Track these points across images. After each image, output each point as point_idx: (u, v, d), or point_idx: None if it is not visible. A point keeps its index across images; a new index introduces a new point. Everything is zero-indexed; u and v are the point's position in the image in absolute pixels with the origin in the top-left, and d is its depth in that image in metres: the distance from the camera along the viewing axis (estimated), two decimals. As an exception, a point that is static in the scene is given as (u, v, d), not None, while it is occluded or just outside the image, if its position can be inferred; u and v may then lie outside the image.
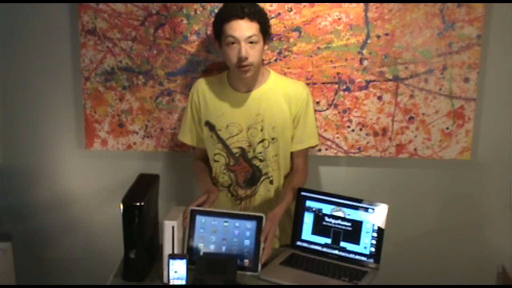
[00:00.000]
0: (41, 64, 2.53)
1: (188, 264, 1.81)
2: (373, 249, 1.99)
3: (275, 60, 2.42)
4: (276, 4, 2.36)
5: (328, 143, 2.50)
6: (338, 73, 2.42)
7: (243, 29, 2.01)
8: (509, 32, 2.40)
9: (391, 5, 2.36)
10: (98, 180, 2.63)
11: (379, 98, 2.45)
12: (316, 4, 2.36)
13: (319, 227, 2.06)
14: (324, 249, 2.05)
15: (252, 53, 2.03)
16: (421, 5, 2.35)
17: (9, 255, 2.66)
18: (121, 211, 1.83)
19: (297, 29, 2.38)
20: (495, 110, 2.48)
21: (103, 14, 2.41)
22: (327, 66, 2.42)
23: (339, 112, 2.47)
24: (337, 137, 2.49)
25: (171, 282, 1.81)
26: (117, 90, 2.49)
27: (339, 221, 2.03)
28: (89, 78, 2.48)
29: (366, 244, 2.00)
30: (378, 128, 2.47)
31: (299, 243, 2.09)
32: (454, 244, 2.62)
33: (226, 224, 1.97)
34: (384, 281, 2.01)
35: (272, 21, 2.24)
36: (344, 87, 2.44)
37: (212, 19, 2.16)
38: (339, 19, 2.37)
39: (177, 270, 1.80)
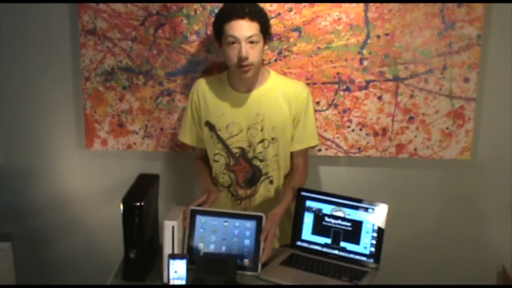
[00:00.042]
0: (41, 64, 2.53)
1: (188, 264, 1.81)
2: (373, 249, 1.99)
3: (275, 60, 2.42)
4: (276, 4, 2.36)
5: (328, 143, 2.50)
6: (338, 73, 2.43)
7: (244, 29, 2.01)
8: (509, 32, 2.40)
9: (391, 5, 2.36)
10: (98, 180, 2.63)
11: (379, 98, 2.45)
12: (316, 4, 2.36)
13: (319, 227, 2.06)
14: (324, 249, 2.05)
15: (252, 53, 2.03)
16: (421, 5, 2.35)
17: (9, 255, 2.66)
18: (121, 211, 1.83)
19: (297, 29, 2.38)
20: (495, 110, 2.48)
21: (103, 14, 2.41)
22: (327, 66, 2.42)
23: (339, 112, 2.47)
24: (337, 137, 2.49)
25: (171, 282, 1.81)
26: (117, 90, 2.49)
27: (339, 221, 2.03)
28: (89, 78, 2.48)
29: (366, 244, 2.00)
30: (378, 128, 2.47)
31: (299, 243, 2.08)
32: (454, 244, 2.62)
33: (226, 224, 1.98)
34: (384, 281, 2.01)
35: (272, 21, 2.24)
36: (344, 87, 2.44)
37: (212, 19, 2.16)
38: (339, 19, 2.37)
39: (177, 270, 1.80)
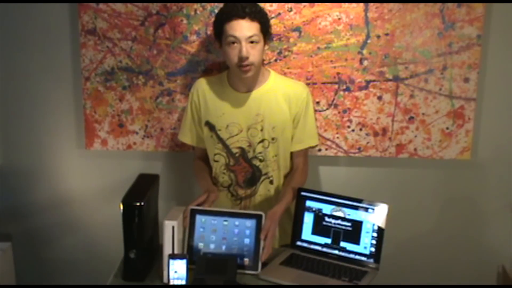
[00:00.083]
0: (41, 64, 2.53)
1: (188, 264, 1.81)
2: (373, 249, 1.99)
3: (275, 60, 2.42)
4: (276, 4, 2.36)
5: (328, 143, 2.50)
6: (338, 73, 2.43)
7: (244, 29, 2.02)
8: (509, 32, 2.40)
9: (391, 5, 2.36)
10: (98, 180, 2.63)
11: (379, 98, 2.45)
12: (316, 4, 2.36)
13: (319, 227, 2.06)
14: (324, 249, 2.05)
15: (252, 53, 2.03)
16: (421, 5, 2.35)
17: (9, 255, 2.66)
18: (121, 211, 1.83)
19: (297, 29, 2.38)
20: (495, 110, 2.48)
21: (103, 14, 2.41)
22: (327, 66, 2.42)
23: (339, 112, 2.47)
24: (337, 137, 2.49)
25: (171, 282, 1.81)
26: (117, 90, 2.49)
27: (339, 221, 2.03)
28: (89, 78, 2.48)
29: (366, 244, 2.00)
30: (378, 128, 2.47)
31: (299, 243, 2.08)
32: (454, 244, 2.62)
33: (225, 223, 1.98)
34: (384, 281, 2.01)
35: (272, 21, 2.24)
36: (344, 87, 2.44)
37: (212, 19, 2.16)
38: (339, 19, 2.37)
39: (177, 270, 1.80)
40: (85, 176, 2.64)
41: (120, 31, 2.43)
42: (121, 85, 2.48)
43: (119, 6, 2.40)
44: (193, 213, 1.99)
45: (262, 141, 2.19)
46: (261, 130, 2.18)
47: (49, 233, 2.70)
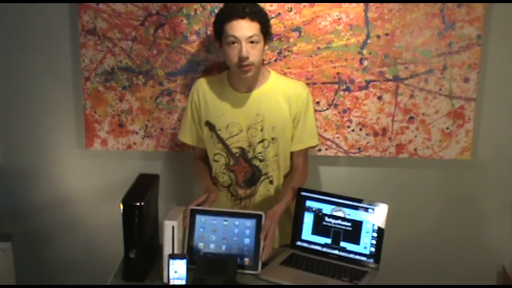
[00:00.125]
0: (41, 64, 2.53)
1: (188, 264, 1.81)
2: (373, 249, 1.99)
3: (275, 60, 2.42)
4: (276, 4, 2.36)
5: (328, 143, 2.50)
6: (338, 73, 2.43)
7: (244, 29, 2.02)
8: (509, 32, 2.40)
9: (391, 5, 2.36)
10: (98, 180, 2.63)
11: (379, 98, 2.45)
12: (316, 4, 2.36)
13: (319, 227, 2.06)
14: (324, 249, 2.05)
15: (253, 53, 2.03)
16: (421, 5, 2.35)
17: (9, 255, 2.66)
18: (121, 211, 1.83)
19: (297, 29, 2.38)
20: (495, 110, 2.48)
21: (103, 14, 2.41)
22: (327, 66, 2.42)
23: (339, 112, 2.47)
24: (337, 137, 2.49)
25: (171, 282, 1.81)
26: (117, 90, 2.49)
27: (339, 221, 2.03)
28: (89, 78, 2.48)
29: (366, 244, 2.00)
30: (378, 128, 2.47)
31: (299, 243, 2.08)
32: (454, 244, 2.62)
33: (225, 223, 1.98)
34: (384, 281, 2.01)
35: (272, 21, 2.23)
36: (344, 87, 2.44)
37: (212, 19, 2.16)
38: (339, 19, 2.37)
39: (177, 270, 1.80)
40: (85, 176, 2.64)
41: (120, 31, 2.43)
42: (121, 85, 2.48)
43: (119, 6, 2.40)
44: (193, 213, 1.99)
45: (262, 141, 2.19)
46: (261, 130, 2.18)
47: (49, 233, 2.70)
